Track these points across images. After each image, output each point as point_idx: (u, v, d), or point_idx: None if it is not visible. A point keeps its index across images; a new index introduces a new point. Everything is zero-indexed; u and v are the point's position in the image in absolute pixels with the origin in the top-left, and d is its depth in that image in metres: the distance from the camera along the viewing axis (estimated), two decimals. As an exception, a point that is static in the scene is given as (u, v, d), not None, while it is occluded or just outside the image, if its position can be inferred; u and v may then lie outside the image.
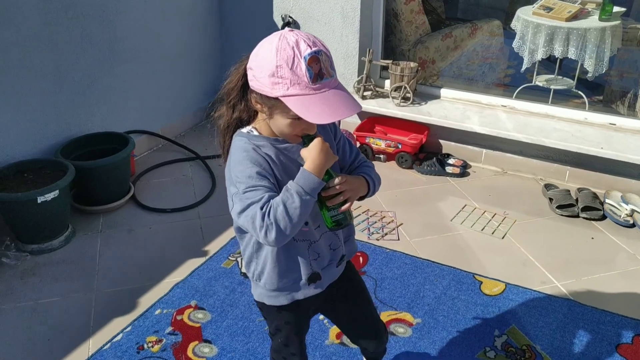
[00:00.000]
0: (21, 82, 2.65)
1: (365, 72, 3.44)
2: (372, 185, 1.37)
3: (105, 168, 2.75)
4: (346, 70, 3.58)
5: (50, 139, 2.84)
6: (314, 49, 1.14)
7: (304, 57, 1.12)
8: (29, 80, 2.69)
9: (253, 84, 1.21)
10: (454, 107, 3.39)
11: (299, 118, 1.16)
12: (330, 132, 1.43)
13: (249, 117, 1.34)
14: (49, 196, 2.43)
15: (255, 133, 1.32)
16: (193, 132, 3.85)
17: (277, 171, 1.26)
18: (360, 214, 2.83)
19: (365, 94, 3.51)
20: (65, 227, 2.64)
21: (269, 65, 1.15)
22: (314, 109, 1.14)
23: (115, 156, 2.77)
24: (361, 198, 1.37)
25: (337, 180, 1.23)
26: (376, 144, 3.36)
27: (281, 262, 1.37)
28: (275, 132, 1.29)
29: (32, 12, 2.63)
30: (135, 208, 2.93)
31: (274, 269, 1.38)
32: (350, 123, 3.64)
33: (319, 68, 1.13)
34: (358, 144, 3.41)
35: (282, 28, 3.65)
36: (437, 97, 3.52)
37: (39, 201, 2.40)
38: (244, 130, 1.33)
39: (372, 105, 3.44)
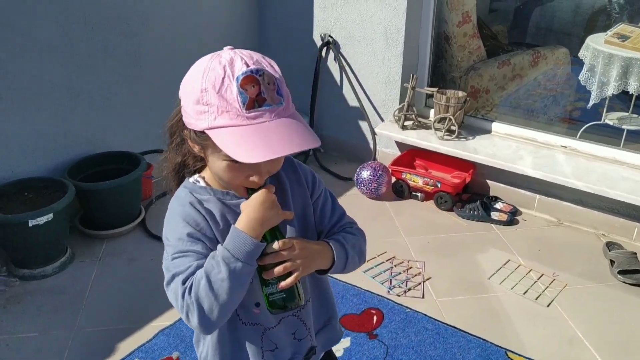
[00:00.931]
0: (33, 92, 2.51)
1: (407, 99, 3.11)
2: (341, 257, 1.06)
3: (110, 191, 2.56)
4: (386, 97, 3.26)
5: (60, 155, 2.69)
6: (251, 67, 0.90)
7: (237, 78, 0.89)
8: (41, 92, 2.55)
9: (184, 117, 0.97)
10: (506, 145, 2.99)
11: (235, 160, 0.90)
12: (303, 183, 1.14)
13: (195, 162, 1.08)
14: (42, 220, 2.25)
15: (202, 183, 1.06)
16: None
17: (220, 234, 1.00)
18: (383, 262, 2.49)
19: (406, 123, 3.17)
20: (62, 252, 2.46)
21: (194, 90, 0.92)
22: (245, 144, 0.88)
23: (122, 179, 2.58)
24: (322, 272, 1.06)
25: (276, 245, 0.95)
26: (413, 181, 3.01)
27: (225, 350, 1.08)
28: (219, 181, 1.03)
29: (50, 21, 2.50)
30: (142, 235, 2.72)
31: (214, 356, 1.08)
32: (389, 154, 3.31)
33: (258, 91, 0.89)
34: (393, 179, 3.07)
35: (321, 48, 3.41)
36: (487, 131, 3.13)
37: (30, 224, 2.23)
38: (191, 179, 1.08)
39: (412, 137, 3.10)
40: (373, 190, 3.00)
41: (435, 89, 3.08)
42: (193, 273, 0.94)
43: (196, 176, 1.08)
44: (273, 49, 3.65)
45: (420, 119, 3.18)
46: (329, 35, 3.32)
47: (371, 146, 3.39)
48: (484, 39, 3.63)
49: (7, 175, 2.48)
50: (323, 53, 3.39)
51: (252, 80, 0.89)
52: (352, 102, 3.39)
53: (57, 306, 2.22)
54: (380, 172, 3.01)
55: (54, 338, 2.05)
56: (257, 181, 0.96)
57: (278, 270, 0.94)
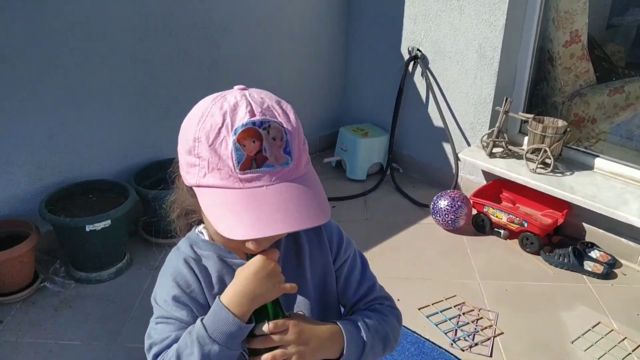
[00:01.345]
0: (107, 95, 2.51)
1: (498, 124, 2.81)
2: (354, 345, 0.86)
3: (173, 200, 2.50)
4: (475, 120, 2.97)
5: (130, 159, 2.68)
6: (257, 117, 0.75)
7: (235, 130, 0.74)
8: (116, 95, 2.54)
9: (179, 165, 0.84)
10: (609, 185, 2.61)
11: None
12: (325, 245, 0.96)
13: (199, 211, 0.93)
14: (99, 226, 2.22)
15: (204, 236, 0.92)
16: (296, 165, 3.50)
17: (213, 299, 0.85)
18: (450, 307, 2.22)
19: (494, 151, 2.87)
20: (119, 258, 2.43)
21: (187, 137, 0.79)
22: (230, 214, 0.73)
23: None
24: None
25: (266, 327, 0.78)
26: (496, 216, 2.70)
27: None
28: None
29: (127, 26, 2.48)
30: (201, 247, 2.65)
31: None
32: (473, 182, 3.02)
33: (258, 148, 0.74)
34: (474, 211, 2.78)
35: (408, 63, 3.18)
36: (589, 167, 2.75)
37: (87, 229, 2.21)
38: (196, 229, 0.95)
39: (500, 167, 2.79)
40: (450, 222, 2.73)
41: (531, 116, 2.75)
42: (169, 346, 0.80)
43: (201, 226, 0.93)
44: (357, 61, 3.48)
45: (511, 148, 2.86)
46: (418, 49, 3.08)
47: (453, 172, 3.12)
48: (595, 61, 3.22)
49: (74, 176, 2.50)
50: (410, 68, 3.16)
51: (254, 134, 0.73)
52: (437, 122, 3.13)
53: (105, 315, 2.18)
54: (459, 202, 2.73)
55: (95, 350, 2.01)
56: (254, 249, 0.79)
57: (266, 358, 0.77)
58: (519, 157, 2.84)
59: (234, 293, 0.78)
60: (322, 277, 0.96)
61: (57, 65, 2.32)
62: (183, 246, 0.92)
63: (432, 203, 2.82)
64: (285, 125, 0.77)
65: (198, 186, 0.77)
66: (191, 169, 0.77)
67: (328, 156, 3.45)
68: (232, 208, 0.73)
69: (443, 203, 2.75)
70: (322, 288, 0.96)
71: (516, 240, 2.67)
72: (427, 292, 2.30)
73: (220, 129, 0.74)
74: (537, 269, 2.51)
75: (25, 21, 2.18)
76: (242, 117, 0.74)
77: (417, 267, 2.51)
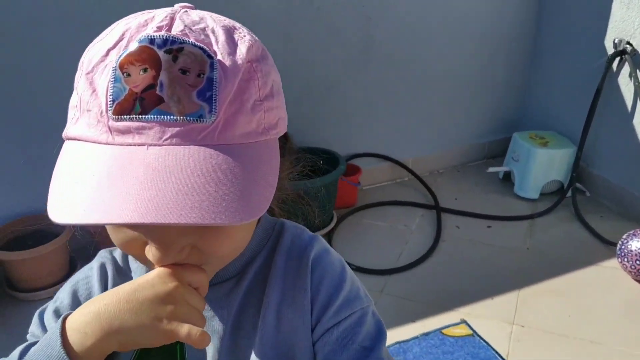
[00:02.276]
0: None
1: None
2: None
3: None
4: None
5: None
6: (162, 33, 0.47)
7: (126, 50, 0.47)
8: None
9: None
10: None
11: None
12: (306, 294, 0.63)
13: None
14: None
15: None
16: (455, 172, 3.01)
17: None
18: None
19: None
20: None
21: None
22: (67, 186, 0.47)
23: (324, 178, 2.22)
24: None
25: None
26: None
27: None
28: None
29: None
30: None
31: None
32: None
33: (149, 82, 0.45)
34: None
35: (612, 59, 2.47)
36: None
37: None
38: None
39: None
40: (643, 270, 2.04)
41: None
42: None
43: None
44: (545, 53, 2.85)
45: None
46: (628, 42, 2.37)
47: (660, 205, 2.36)
48: None
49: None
50: (614, 65, 2.46)
51: (147, 57, 0.46)
52: (645, 137, 2.40)
53: None
54: (660, 247, 2.01)
55: None
56: (156, 257, 0.51)
57: None
58: None
59: (84, 313, 0.50)
60: (289, 339, 0.62)
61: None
62: (115, 252, 0.67)
63: (621, 242, 2.13)
64: (216, 56, 0.46)
65: (66, 139, 0.51)
66: (69, 115, 0.51)
67: (495, 165, 2.90)
68: (77, 174, 0.46)
69: (636, 245, 2.06)
70: (285, 357, 0.62)
71: None
72: (590, 361, 1.70)
73: (109, 50, 0.48)
74: None
75: None
76: (148, 32, 0.46)
77: (583, 322, 1.89)
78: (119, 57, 0.46)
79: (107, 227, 0.53)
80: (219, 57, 0.47)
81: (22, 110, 1.98)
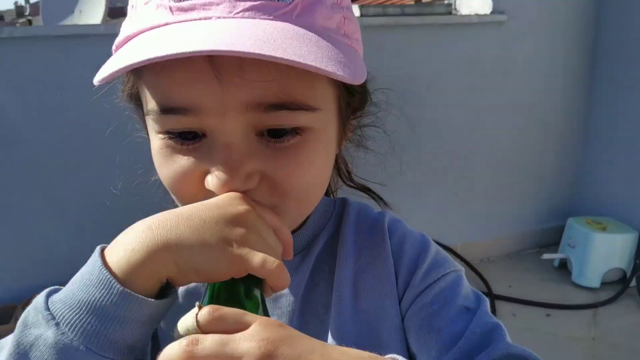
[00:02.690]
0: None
1: None
2: None
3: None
4: None
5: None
6: None
7: None
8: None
9: None
10: None
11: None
12: (385, 259, 0.58)
13: None
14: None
15: None
16: (507, 259, 2.88)
17: None
18: None
19: None
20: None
21: None
22: (127, 50, 0.43)
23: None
24: None
25: (193, 315, 0.36)
26: None
27: None
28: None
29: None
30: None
31: None
32: None
33: None
34: None
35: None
36: None
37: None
38: None
39: None
40: None
41: None
42: None
43: None
44: (600, 132, 2.81)
45: None
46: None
47: None
48: None
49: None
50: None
51: None
52: None
53: None
54: None
55: None
56: (220, 179, 0.44)
57: None
58: None
59: (131, 231, 0.40)
60: (371, 316, 0.55)
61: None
62: None
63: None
64: None
65: (119, 46, 0.46)
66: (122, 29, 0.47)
67: (550, 252, 2.76)
68: (129, 46, 0.43)
69: None
70: (368, 336, 0.55)
71: None
72: None
73: None
74: None
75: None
76: None
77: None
78: None
79: (162, 157, 0.46)
80: None
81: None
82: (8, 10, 5.04)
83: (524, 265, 2.81)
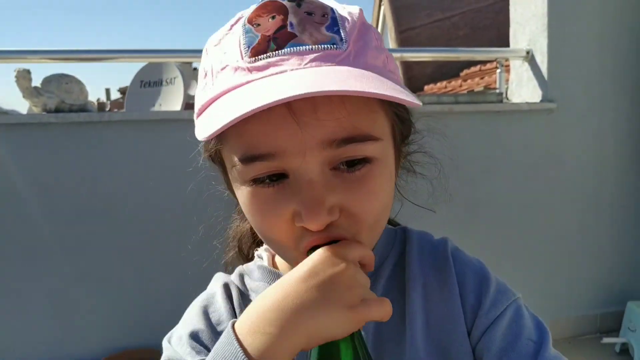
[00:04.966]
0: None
1: None
2: None
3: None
4: None
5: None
6: None
7: (245, 17, 0.52)
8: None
9: None
10: None
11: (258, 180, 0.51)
12: (454, 290, 0.62)
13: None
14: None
15: (264, 261, 0.67)
16: (565, 344, 2.82)
17: None
18: None
19: None
20: None
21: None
22: (221, 107, 0.49)
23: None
24: None
25: None
26: None
27: None
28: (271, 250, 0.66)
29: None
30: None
31: None
32: None
33: (279, 25, 0.50)
34: None
35: None
36: None
37: None
38: (256, 253, 0.71)
39: None
40: None
41: None
42: None
43: (261, 249, 0.69)
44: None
45: None
46: None
47: None
48: None
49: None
50: None
51: (273, 8, 0.51)
52: None
53: None
54: None
55: None
56: (309, 217, 0.49)
57: None
58: None
59: (258, 313, 0.46)
60: (442, 334, 0.61)
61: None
62: (221, 276, 0.69)
63: None
64: (332, 5, 0.53)
65: (201, 113, 0.53)
66: (198, 103, 0.55)
67: (610, 337, 2.70)
68: (221, 104, 0.50)
69: None
70: (440, 354, 0.60)
71: None
72: None
73: (232, 25, 0.54)
74: None
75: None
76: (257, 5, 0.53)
77: None
78: (245, 21, 0.51)
79: (251, 203, 0.52)
80: (333, 5, 0.53)
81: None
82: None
83: (584, 350, 2.74)
